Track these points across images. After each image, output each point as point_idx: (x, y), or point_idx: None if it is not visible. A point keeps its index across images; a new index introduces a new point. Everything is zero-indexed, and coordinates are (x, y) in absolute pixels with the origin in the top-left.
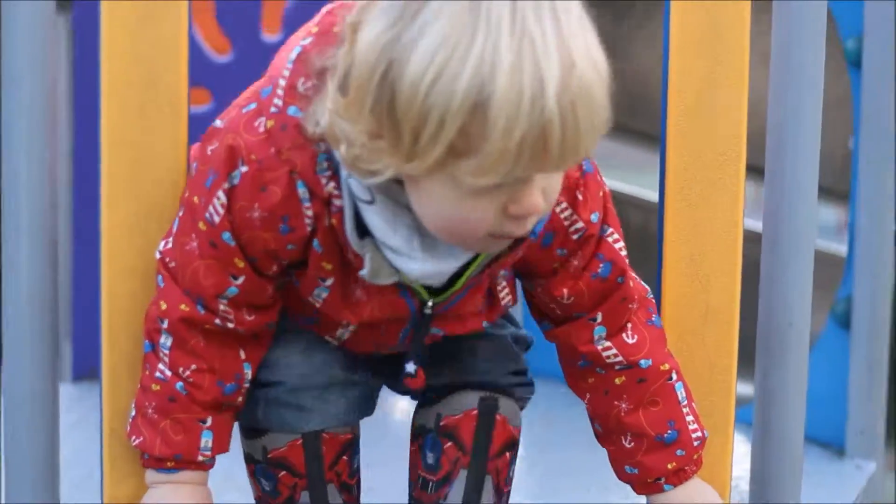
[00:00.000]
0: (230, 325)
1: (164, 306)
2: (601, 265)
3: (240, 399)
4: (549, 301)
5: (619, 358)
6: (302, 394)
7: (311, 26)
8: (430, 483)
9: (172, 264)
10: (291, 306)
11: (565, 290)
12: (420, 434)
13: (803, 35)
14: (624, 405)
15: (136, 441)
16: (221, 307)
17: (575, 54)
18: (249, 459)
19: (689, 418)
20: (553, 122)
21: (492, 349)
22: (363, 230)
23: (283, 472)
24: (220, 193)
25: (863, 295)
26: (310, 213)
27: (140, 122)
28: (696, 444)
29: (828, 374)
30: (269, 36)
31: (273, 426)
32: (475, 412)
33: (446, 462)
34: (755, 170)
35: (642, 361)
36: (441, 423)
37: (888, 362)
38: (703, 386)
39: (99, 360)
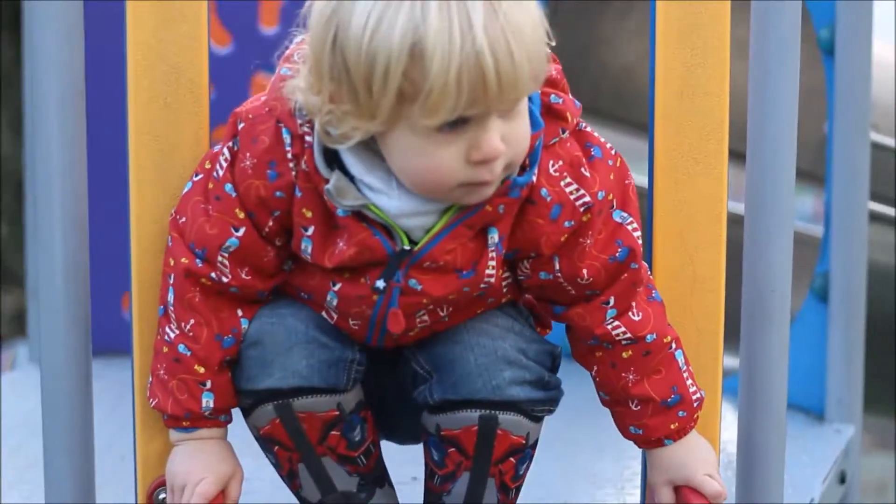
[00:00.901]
0: (225, 280)
1: (171, 262)
2: (619, 250)
3: (234, 349)
4: (568, 281)
5: (628, 335)
6: (267, 349)
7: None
8: (437, 476)
9: (182, 219)
10: (292, 283)
11: (585, 271)
12: (425, 433)
13: (780, 26)
14: (631, 376)
15: (153, 402)
16: (220, 259)
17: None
18: (254, 438)
19: (689, 382)
20: (484, 53)
21: (492, 357)
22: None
23: (277, 447)
24: (225, 150)
25: (839, 270)
26: (290, 155)
27: (165, 114)
28: (695, 404)
29: (808, 345)
30: (266, 29)
31: (242, 383)
32: (475, 428)
33: (450, 462)
34: (737, 155)
35: (648, 336)
36: (441, 434)
37: (864, 333)
38: (692, 349)
39: (113, 337)
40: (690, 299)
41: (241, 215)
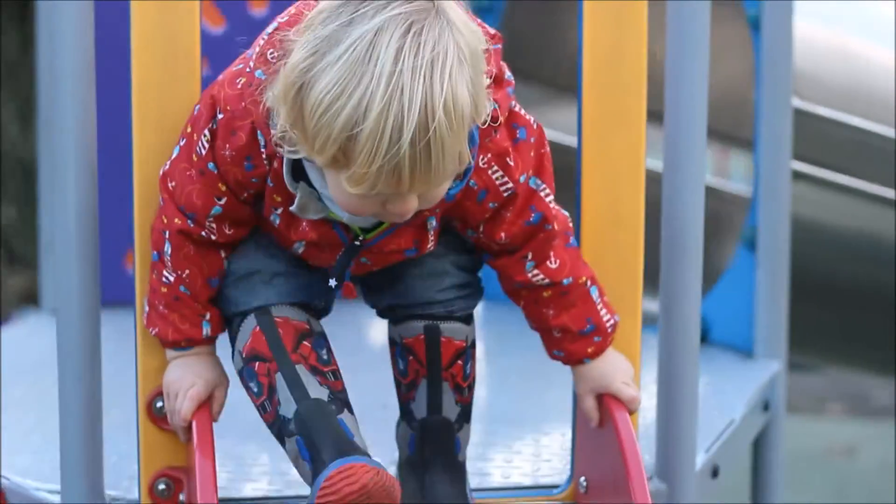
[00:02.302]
0: (213, 238)
1: (165, 220)
2: (532, 215)
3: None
4: (489, 242)
5: (546, 280)
6: (252, 278)
7: (291, 8)
8: (402, 385)
9: (172, 184)
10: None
11: (503, 234)
12: (392, 345)
13: (694, 9)
14: (551, 311)
15: (154, 331)
16: (208, 223)
17: (437, 109)
18: (239, 374)
19: (603, 311)
20: (404, 162)
21: (425, 272)
22: (301, 175)
23: (257, 363)
24: (206, 132)
25: (765, 223)
26: (264, 155)
27: (164, 70)
28: (609, 330)
29: (739, 290)
30: (257, 11)
31: (231, 308)
32: (422, 337)
33: (411, 371)
34: (655, 115)
35: (564, 280)
36: (402, 343)
37: (788, 279)
38: (615, 279)
39: (117, 290)
40: (614, 236)
41: (223, 188)
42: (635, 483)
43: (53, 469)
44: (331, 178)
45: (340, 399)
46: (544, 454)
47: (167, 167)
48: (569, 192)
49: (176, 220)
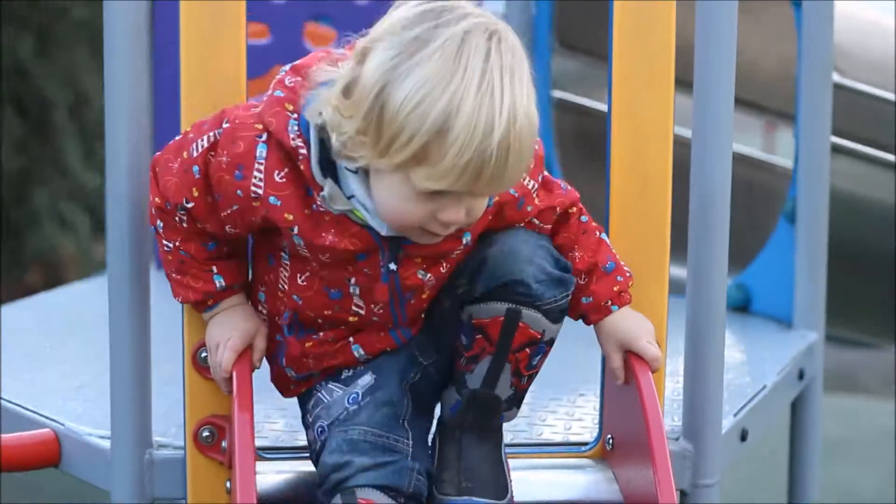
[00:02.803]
0: (184, 225)
1: (153, 199)
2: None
3: (225, 249)
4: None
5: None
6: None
7: (296, 64)
8: (464, 357)
9: (158, 169)
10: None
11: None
12: (458, 323)
13: None
14: (577, 254)
15: (180, 298)
16: (179, 213)
17: (519, 113)
18: None
19: (619, 259)
20: (491, 158)
21: (508, 249)
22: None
23: None
24: (207, 137)
25: (805, 196)
26: (261, 168)
27: (212, 40)
28: (627, 275)
29: (779, 262)
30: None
31: (323, 470)
32: (501, 319)
33: (476, 347)
34: (685, 83)
35: (582, 217)
36: (472, 322)
37: (826, 251)
38: (643, 241)
39: None
40: (642, 201)
41: (196, 193)
42: (654, 439)
43: (105, 416)
44: (393, 181)
45: None
46: (578, 414)
47: (157, 155)
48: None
49: (157, 200)
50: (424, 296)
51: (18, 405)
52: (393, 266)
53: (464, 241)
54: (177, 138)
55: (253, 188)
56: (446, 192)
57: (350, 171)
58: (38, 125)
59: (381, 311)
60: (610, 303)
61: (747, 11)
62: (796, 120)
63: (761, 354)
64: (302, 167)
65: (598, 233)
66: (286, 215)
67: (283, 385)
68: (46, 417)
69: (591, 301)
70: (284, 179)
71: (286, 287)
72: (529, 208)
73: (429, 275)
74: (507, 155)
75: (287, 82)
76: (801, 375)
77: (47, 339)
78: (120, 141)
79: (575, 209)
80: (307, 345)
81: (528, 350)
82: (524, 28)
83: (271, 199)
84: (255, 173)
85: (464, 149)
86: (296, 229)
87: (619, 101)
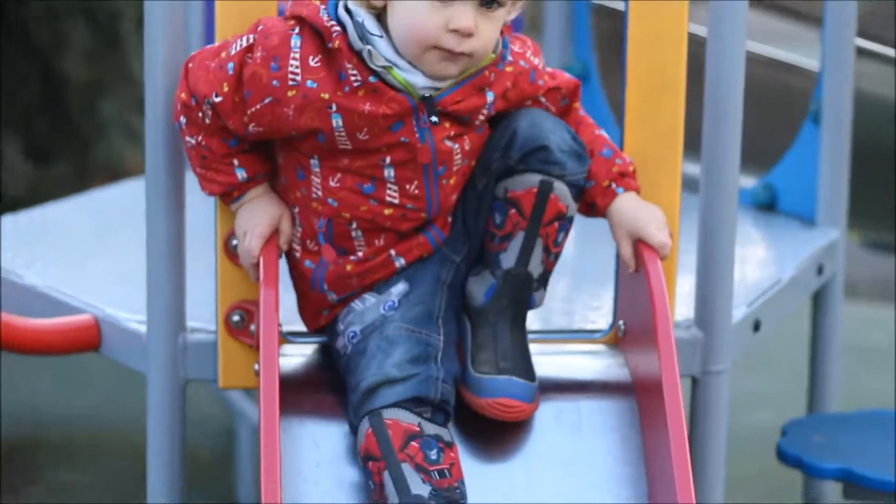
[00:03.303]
0: (207, 122)
1: (179, 94)
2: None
3: (246, 145)
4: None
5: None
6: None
7: None
8: (496, 236)
9: (191, 65)
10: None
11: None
12: (492, 200)
13: None
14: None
15: (207, 192)
16: (205, 107)
17: None
18: (364, 475)
19: (617, 148)
20: None
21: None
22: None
23: (370, 463)
24: (246, 38)
25: (829, 97)
26: (296, 56)
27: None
28: (628, 161)
29: (805, 162)
30: None
31: (351, 417)
32: (535, 190)
33: (509, 223)
34: None
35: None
36: (507, 196)
37: (850, 151)
38: (656, 137)
39: None
40: (656, 103)
41: (226, 88)
42: (660, 323)
43: (143, 304)
44: (403, 2)
45: (444, 496)
46: (595, 303)
47: (193, 53)
48: None
49: (183, 95)
50: (453, 180)
51: (63, 292)
52: (429, 123)
53: (488, 99)
54: (215, 42)
55: (290, 75)
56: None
57: (377, 36)
58: (106, 35)
59: (416, 191)
60: (613, 185)
61: None
62: (823, 23)
63: (782, 250)
64: (337, 43)
65: (594, 128)
66: (322, 94)
67: (315, 312)
68: (88, 304)
69: (594, 185)
70: (318, 63)
71: (320, 193)
72: (541, 82)
73: (456, 145)
74: None
75: None
76: (820, 271)
77: (98, 232)
78: (157, 38)
79: (577, 101)
80: (347, 267)
81: (556, 224)
82: None
83: (308, 82)
84: (291, 62)
85: None
86: (334, 106)
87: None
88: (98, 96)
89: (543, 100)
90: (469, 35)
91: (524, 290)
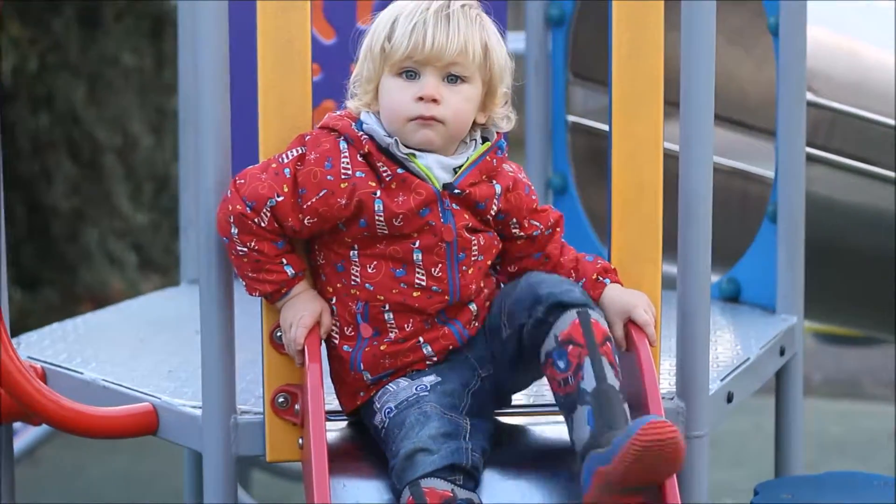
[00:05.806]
0: (263, 225)
1: (229, 208)
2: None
3: (290, 246)
4: (528, 232)
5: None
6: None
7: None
8: (568, 378)
9: (241, 181)
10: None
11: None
12: (548, 357)
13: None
14: (563, 258)
15: (256, 293)
16: (264, 211)
17: (455, 5)
18: None
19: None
20: (429, 22)
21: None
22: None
23: None
24: (296, 150)
25: (784, 199)
26: (346, 155)
27: (283, 71)
28: (608, 262)
29: (764, 257)
30: (363, 25)
31: (395, 483)
32: (577, 321)
33: (573, 358)
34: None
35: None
36: (559, 339)
37: (804, 246)
38: (638, 232)
39: None
40: (638, 202)
41: (286, 189)
42: (650, 395)
43: (194, 392)
44: (384, 85)
45: None
46: None
47: (240, 174)
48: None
49: (237, 207)
50: (471, 271)
51: (121, 384)
52: (451, 206)
53: (496, 190)
54: (261, 160)
55: (343, 170)
56: (418, 72)
57: (388, 138)
58: (89, 168)
59: (439, 273)
60: (599, 277)
61: (737, 43)
62: (776, 134)
63: (748, 334)
64: (367, 148)
65: (572, 248)
66: (370, 182)
67: (352, 394)
68: (145, 394)
69: (585, 281)
70: (363, 161)
71: (359, 280)
72: (534, 197)
73: (473, 238)
74: (447, 22)
75: (336, 112)
76: (782, 351)
77: (134, 336)
78: (208, 160)
79: (562, 228)
80: (381, 347)
81: (608, 344)
82: (542, 61)
83: (358, 173)
84: (343, 159)
85: (408, 18)
86: (378, 192)
87: (617, 119)
88: (81, 224)
89: (536, 223)
90: (434, 101)
91: (617, 401)
